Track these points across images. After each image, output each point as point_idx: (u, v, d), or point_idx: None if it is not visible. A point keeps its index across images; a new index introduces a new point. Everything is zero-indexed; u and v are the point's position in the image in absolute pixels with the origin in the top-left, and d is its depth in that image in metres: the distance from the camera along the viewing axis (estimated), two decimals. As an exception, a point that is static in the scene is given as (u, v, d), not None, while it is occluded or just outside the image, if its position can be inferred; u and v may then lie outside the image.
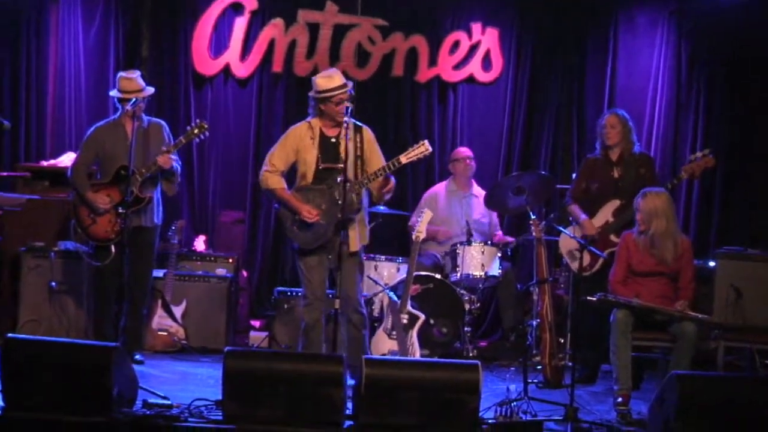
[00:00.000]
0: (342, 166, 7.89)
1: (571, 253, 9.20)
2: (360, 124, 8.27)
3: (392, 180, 8.11)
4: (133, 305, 8.93)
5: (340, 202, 7.81)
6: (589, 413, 7.59)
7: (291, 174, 8.40)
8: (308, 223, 8.02)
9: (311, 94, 8.24)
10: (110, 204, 8.72)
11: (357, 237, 8.17)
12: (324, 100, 8.09)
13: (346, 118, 7.87)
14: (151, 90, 8.95)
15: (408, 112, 11.54)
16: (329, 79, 8.14)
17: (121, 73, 8.93)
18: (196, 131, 8.72)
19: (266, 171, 8.24)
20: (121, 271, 8.38)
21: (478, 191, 10.60)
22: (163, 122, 9.09)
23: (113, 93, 8.91)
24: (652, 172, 9.26)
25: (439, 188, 10.69)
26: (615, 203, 9.05)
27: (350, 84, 8.22)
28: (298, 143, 8.16)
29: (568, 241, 9.16)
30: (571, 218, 9.36)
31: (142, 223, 8.76)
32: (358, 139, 8.15)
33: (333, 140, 8.15)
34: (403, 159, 7.98)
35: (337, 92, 8.06)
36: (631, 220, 8.69)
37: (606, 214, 9.08)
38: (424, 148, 7.97)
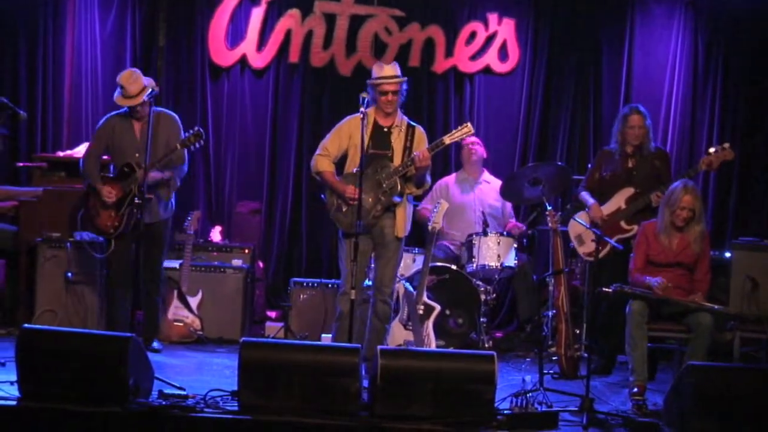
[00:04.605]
0: (389, 153, 8.29)
1: (579, 237, 9.25)
2: (414, 123, 8.51)
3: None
4: (148, 295, 9.01)
5: (384, 185, 8.16)
6: (604, 404, 7.60)
7: (339, 166, 8.53)
8: (352, 207, 8.10)
9: (368, 80, 8.47)
10: (114, 199, 8.75)
11: (404, 222, 8.33)
12: (373, 86, 8.31)
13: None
14: (151, 81, 8.90)
15: (425, 102, 11.50)
16: (380, 68, 8.42)
17: (120, 81, 8.79)
18: (192, 139, 8.70)
19: (318, 155, 8.45)
20: (129, 262, 8.50)
21: (490, 178, 10.64)
22: (173, 114, 9.08)
23: (119, 101, 8.84)
24: (667, 165, 9.26)
25: (449, 179, 10.75)
26: (629, 191, 9.04)
27: (402, 78, 8.38)
28: (353, 130, 8.31)
29: (577, 225, 9.18)
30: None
31: (145, 220, 8.66)
32: (409, 133, 8.40)
33: (385, 130, 8.36)
34: (447, 140, 8.36)
35: (382, 81, 8.28)
36: (642, 209, 8.76)
37: (619, 200, 9.08)
38: (467, 129, 8.34)
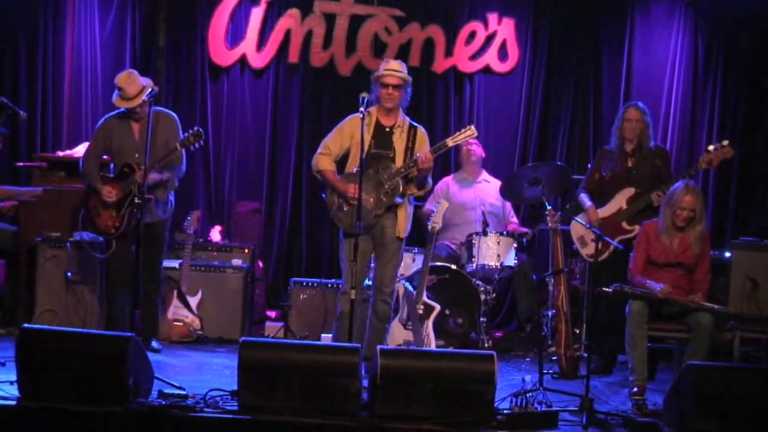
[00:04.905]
0: (391, 153, 8.25)
1: (581, 239, 9.24)
2: (416, 124, 8.47)
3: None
4: (147, 295, 9.01)
5: (386, 185, 8.13)
6: (604, 404, 7.59)
7: (340, 166, 8.51)
8: (353, 206, 8.05)
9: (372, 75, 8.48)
10: (115, 198, 8.75)
11: (405, 222, 8.32)
12: (376, 80, 8.29)
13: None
14: (149, 81, 8.88)
15: (425, 102, 11.49)
16: (386, 62, 8.41)
17: (118, 83, 8.76)
18: (191, 139, 8.68)
19: (319, 153, 8.41)
20: (129, 262, 8.55)
21: (489, 177, 10.67)
22: (172, 114, 9.06)
23: (118, 103, 8.81)
24: (667, 164, 9.26)
25: (448, 179, 10.77)
26: (630, 191, 9.03)
27: (406, 74, 8.33)
28: (355, 129, 8.22)
29: (579, 227, 9.17)
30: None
31: (145, 221, 8.64)
32: (411, 134, 8.35)
33: (387, 129, 8.33)
34: (450, 142, 8.31)
35: (385, 73, 8.26)
36: (643, 209, 8.77)
37: (620, 201, 9.07)
38: (470, 131, 8.28)
